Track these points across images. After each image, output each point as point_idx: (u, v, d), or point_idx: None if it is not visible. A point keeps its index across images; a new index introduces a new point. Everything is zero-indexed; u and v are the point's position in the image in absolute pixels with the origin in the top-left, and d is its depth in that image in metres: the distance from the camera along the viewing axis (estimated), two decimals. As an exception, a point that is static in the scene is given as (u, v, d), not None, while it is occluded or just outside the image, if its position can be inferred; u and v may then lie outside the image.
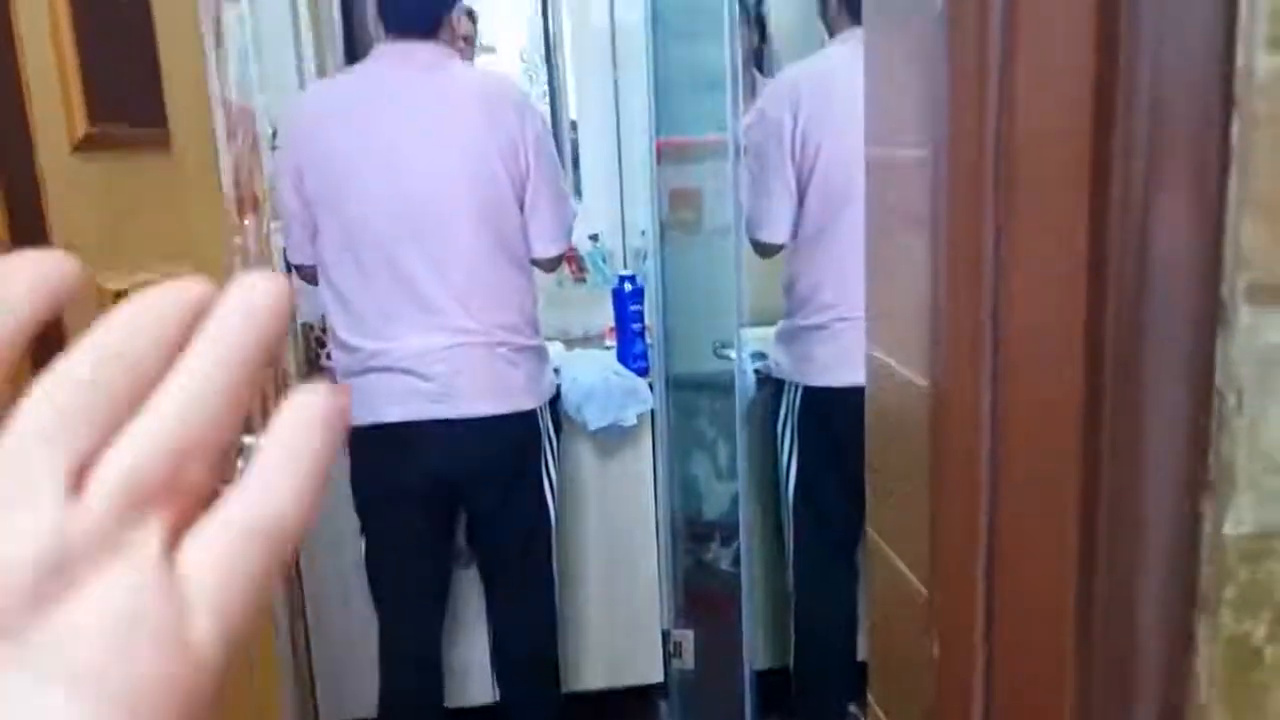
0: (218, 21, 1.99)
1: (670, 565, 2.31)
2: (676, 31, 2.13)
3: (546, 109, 3.59)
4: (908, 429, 0.65)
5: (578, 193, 2.81)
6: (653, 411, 2.29)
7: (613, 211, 2.76)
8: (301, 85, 2.68)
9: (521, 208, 1.92)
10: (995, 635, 0.58)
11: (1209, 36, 0.44)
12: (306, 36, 2.81)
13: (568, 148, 3.07)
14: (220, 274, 1.38)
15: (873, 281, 0.75)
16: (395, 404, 1.91)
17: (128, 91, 1.15)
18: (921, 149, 0.63)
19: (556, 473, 2.09)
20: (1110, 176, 0.47)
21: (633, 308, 2.32)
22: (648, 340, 2.34)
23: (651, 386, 2.28)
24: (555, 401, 2.13)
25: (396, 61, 1.93)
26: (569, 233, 2.04)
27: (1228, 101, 0.44)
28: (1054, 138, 0.53)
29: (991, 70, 0.58)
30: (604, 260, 2.73)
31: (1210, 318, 0.46)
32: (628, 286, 2.33)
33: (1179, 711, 0.49)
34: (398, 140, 1.86)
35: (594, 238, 2.74)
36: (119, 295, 1.09)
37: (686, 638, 2.26)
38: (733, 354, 2.15)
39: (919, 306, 0.64)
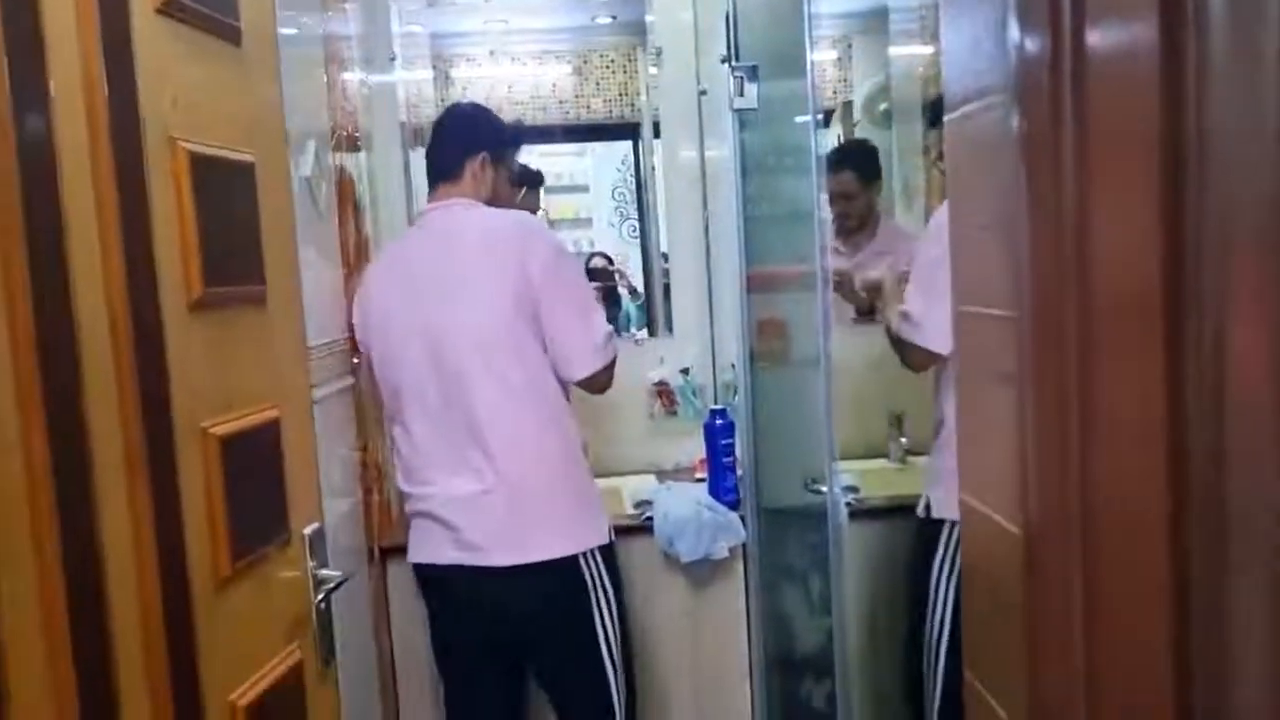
0: (342, 172, 2.16)
1: (764, 701, 2.28)
2: (763, 167, 2.23)
3: (637, 244, 3.75)
4: (1001, 574, 0.68)
5: (669, 327, 2.90)
6: (745, 545, 2.31)
7: (704, 345, 2.83)
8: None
9: (545, 341, 1.96)
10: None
11: (1271, 195, 0.48)
12: (417, 186, 3.01)
13: (658, 281, 3.18)
14: (301, 413, 1.48)
15: (965, 430, 0.78)
16: (435, 549, 2.00)
17: (234, 255, 1.30)
18: (1008, 309, 0.68)
19: (617, 625, 2.03)
20: (1184, 333, 0.51)
21: (723, 441, 2.36)
22: (738, 473, 2.37)
23: (744, 520, 2.30)
24: (610, 551, 2.06)
25: (423, 224, 2.10)
26: (598, 350, 2.00)
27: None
28: (1129, 301, 0.57)
29: (1068, 239, 0.63)
30: (694, 394, 2.79)
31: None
32: (718, 420, 2.38)
33: None
34: (418, 300, 1.98)
35: (685, 371, 2.81)
36: (224, 440, 1.23)
37: (781, 776, 2.21)
38: (824, 488, 2.16)
39: (1008, 456, 0.68)
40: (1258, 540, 0.49)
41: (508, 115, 3.02)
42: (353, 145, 2.35)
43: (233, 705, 1.24)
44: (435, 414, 1.97)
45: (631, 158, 3.94)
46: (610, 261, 3.67)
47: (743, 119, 2.15)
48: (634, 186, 3.91)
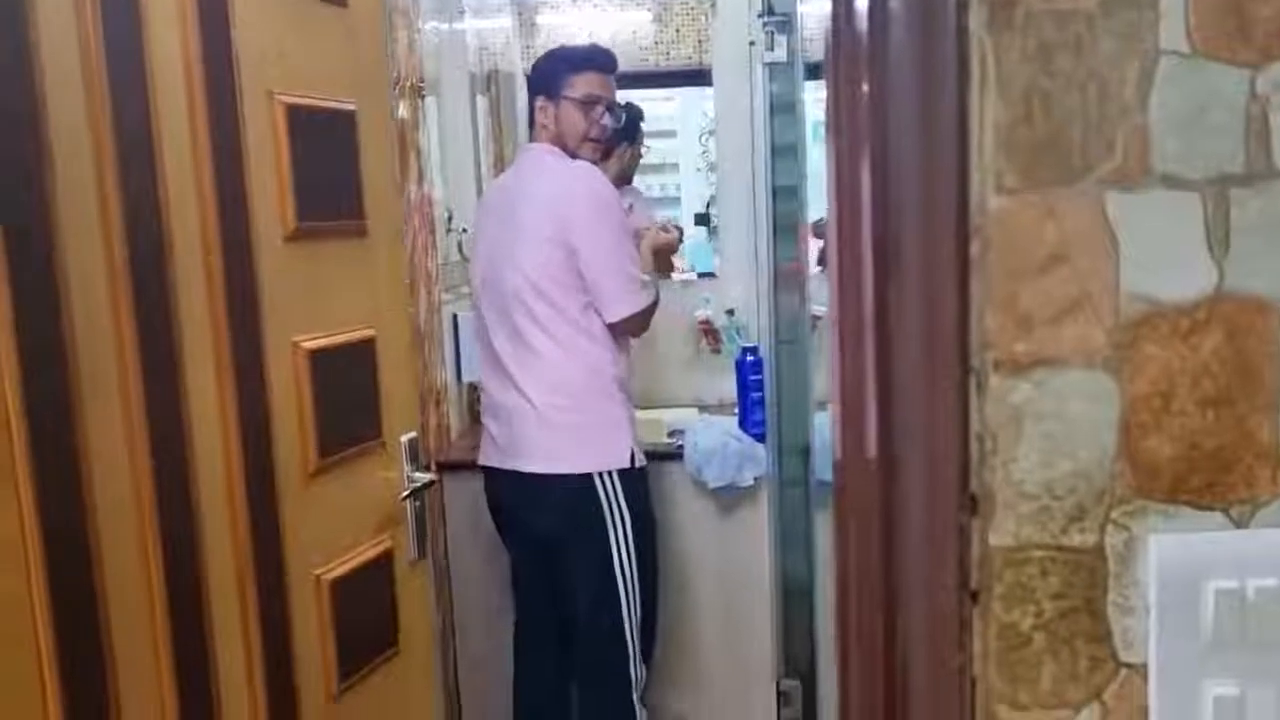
0: (403, 123, 2.37)
1: (782, 619, 2.45)
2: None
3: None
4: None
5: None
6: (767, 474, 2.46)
7: (749, 286, 2.96)
8: (477, 175, 3.06)
9: (581, 284, 2.17)
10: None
11: (953, 183, 0.62)
12: (483, 133, 3.19)
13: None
14: (400, 337, 1.66)
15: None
16: (485, 452, 2.30)
17: (331, 194, 1.47)
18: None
19: (631, 547, 2.19)
20: (889, 282, 0.65)
21: (753, 377, 2.51)
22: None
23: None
24: (632, 476, 2.23)
25: (513, 167, 2.38)
26: (631, 297, 2.20)
27: (965, 228, 0.61)
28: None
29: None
30: (738, 333, 2.93)
31: (967, 382, 0.63)
32: (749, 357, 2.53)
33: (966, 675, 0.65)
34: (491, 235, 2.27)
35: (730, 312, 2.96)
36: (314, 353, 1.40)
37: (794, 689, 2.39)
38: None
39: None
40: (946, 431, 0.64)
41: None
42: (416, 93, 2.54)
43: (318, 578, 1.42)
44: (491, 335, 2.24)
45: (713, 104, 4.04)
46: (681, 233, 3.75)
47: (773, 71, 2.26)
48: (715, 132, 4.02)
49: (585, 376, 2.18)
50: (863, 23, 0.64)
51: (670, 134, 4.65)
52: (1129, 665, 0.65)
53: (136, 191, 1.10)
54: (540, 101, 2.26)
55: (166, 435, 1.15)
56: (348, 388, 1.50)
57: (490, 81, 3.41)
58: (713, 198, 3.94)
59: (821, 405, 2.44)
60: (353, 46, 1.50)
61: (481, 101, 3.24)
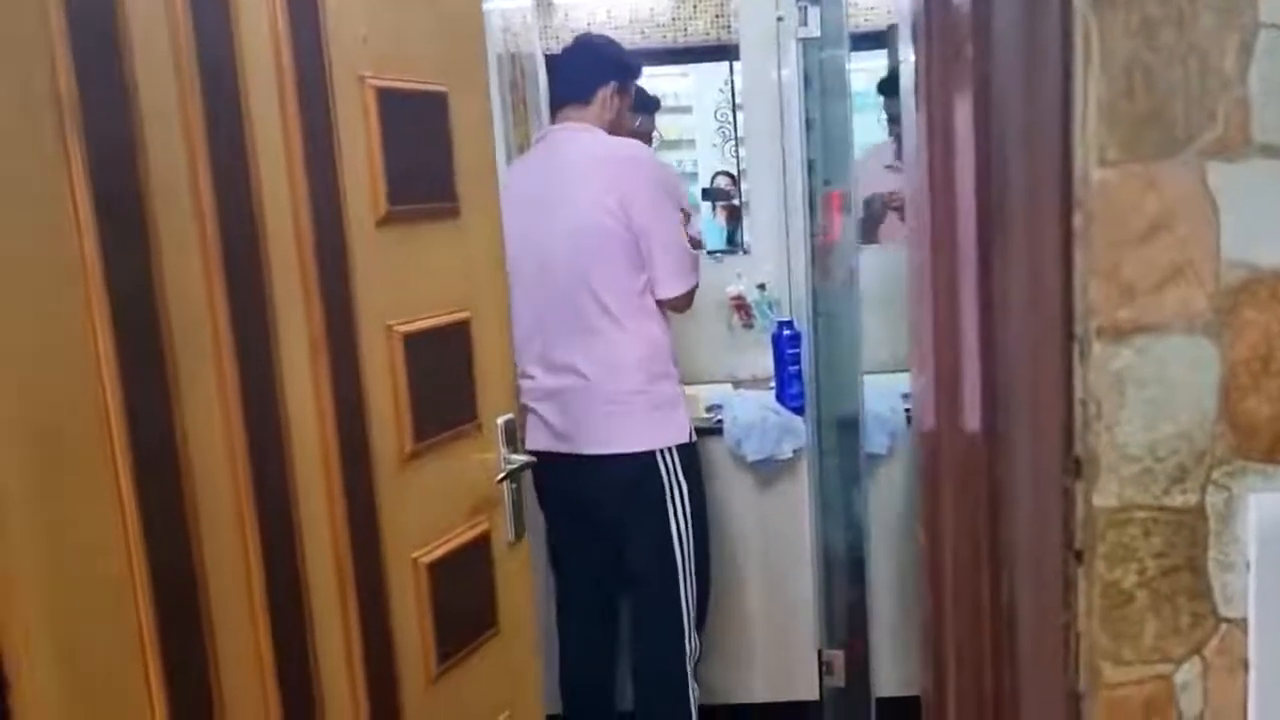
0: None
1: (824, 589, 2.49)
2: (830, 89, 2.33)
3: (735, 164, 3.87)
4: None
5: (743, 245, 3.05)
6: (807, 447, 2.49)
7: (780, 261, 2.98)
8: (507, 155, 3.07)
9: (641, 262, 2.17)
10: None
11: (1057, 155, 0.64)
12: (500, 112, 3.20)
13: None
14: (496, 318, 1.62)
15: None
16: (533, 437, 2.25)
17: (423, 178, 1.46)
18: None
19: (689, 520, 2.25)
20: (994, 252, 0.67)
21: (789, 351, 2.53)
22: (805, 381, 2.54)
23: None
24: (689, 451, 2.27)
25: (549, 141, 2.31)
26: (685, 275, 2.23)
27: (1069, 200, 0.63)
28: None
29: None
30: (770, 307, 2.95)
31: (1071, 349, 0.65)
32: (785, 331, 2.54)
33: (1070, 631, 0.67)
34: (532, 208, 2.19)
35: (761, 286, 2.97)
36: (408, 336, 1.39)
37: (837, 658, 2.42)
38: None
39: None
40: (1052, 396, 0.66)
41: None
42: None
43: (415, 561, 1.41)
44: (538, 319, 2.22)
45: (730, 80, 4.03)
46: (733, 180, 3.79)
47: (806, 46, 2.27)
48: (732, 108, 4.01)
49: (647, 354, 2.20)
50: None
51: (686, 109, 4.65)
52: (1229, 620, 0.67)
53: (228, 178, 1.11)
54: (614, 85, 2.28)
55: (262, 422, 1.16)
56: (443, 371, 1.49)
57: (514, 62, 3.41)
58: (716, 174, 3.95)
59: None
60: (445, 28, 1.49)
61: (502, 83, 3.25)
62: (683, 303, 2.29)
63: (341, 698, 1.28)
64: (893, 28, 3.29)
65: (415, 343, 1.40)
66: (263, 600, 1.14)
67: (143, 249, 1.01)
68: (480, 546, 1.56)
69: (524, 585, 1.68)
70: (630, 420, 2.20)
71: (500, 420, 1.60)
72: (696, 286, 2.29)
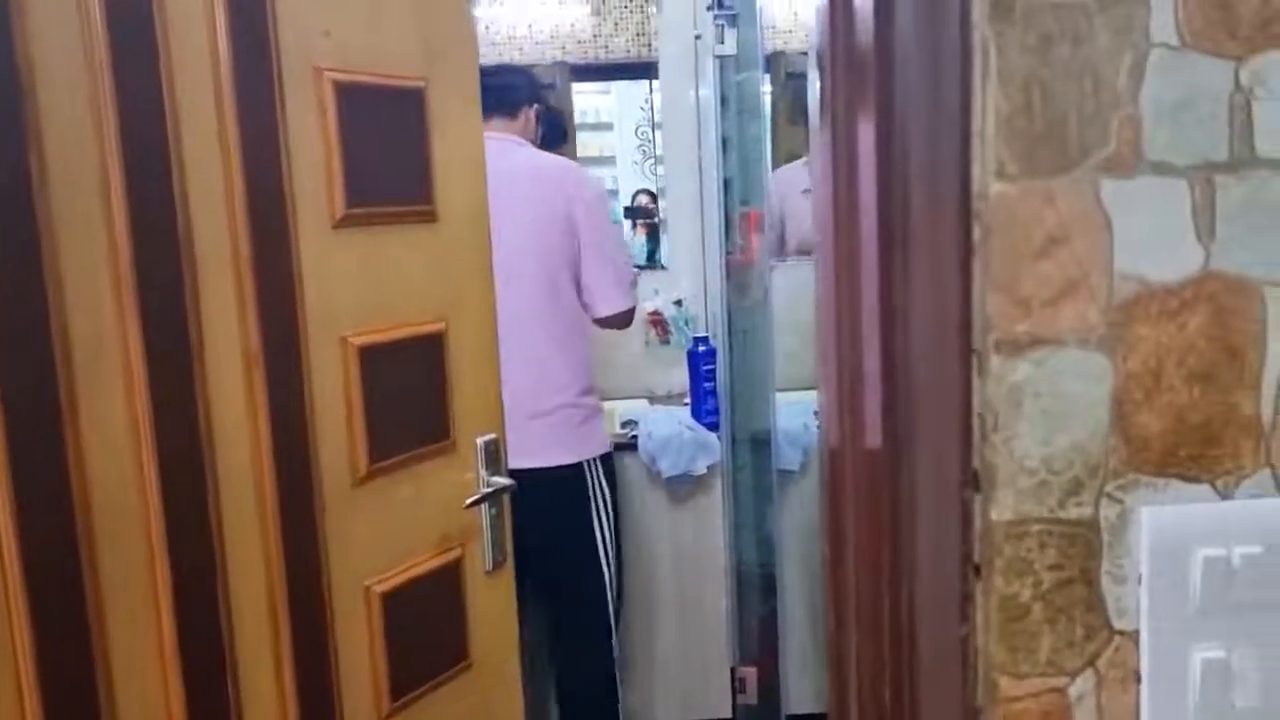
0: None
1: (735, 606, 2.49)
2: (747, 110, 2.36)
3: (655, 182, 3.89)
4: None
5: (661, 264, 3.06)
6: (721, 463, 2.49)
7: (696, 278, 2.99)
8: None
9: (577, 278, 2.18)
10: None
11: (956, 170, 0.64)
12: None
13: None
14: (481, 329, 1.50)
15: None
16: None
17: (392, 177, 1.35)
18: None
19: (611, 529, 2.28)
20: (894, 267, 0.67)
21: (705, 367, 2.53)
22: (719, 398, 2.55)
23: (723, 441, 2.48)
24: (609, 460, 2.32)
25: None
26: (622, 291, 2.25)
27: (968, 214, 0.64)
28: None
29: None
30: (687, 323, 2.96)
31: (970, 363, 0.65)
32: (701, 348, 2.55)
33: (969, 646, 0.67)
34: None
35: (678, 303, 2.98)
36: (365, 349, 1.29)
37: (750, 674, 2.42)
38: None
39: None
40: (949, 410, 0.66)
41: (530, 55, 3.21)
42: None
43: (368, 589, 1.31)
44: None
45: (651, 98, 4.05)
46: (653, 198, 3.80)
47: (723, 65, 2.29)
48: (653, 126, 4.03)
49: (579, 370, 2.22)
50: (867, 15, 0.65)
51: (608, 127, 4.65)
52: (1122, 632, 0.68)
53: (141, 170, 1.02)
54: (536, 108, 2.33)
55: (177, 440, 1.07)
56: (409, 386, 1.39)
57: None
58: (637, 191, 3.97)
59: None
60: (427, 20, 1.39)
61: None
62: (619, 320, 2.30)
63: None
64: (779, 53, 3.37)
65: (375, 355, 1.30)
66: (173, 637, 1.06)
67: (33, 246, 0.93)
68: (450, 574, 1.46)
69: (504, 615, 1.57)
70: (562, 434, 2.22)
71: (480, 440, 1.49)
72: (635, 306, 2.30)
